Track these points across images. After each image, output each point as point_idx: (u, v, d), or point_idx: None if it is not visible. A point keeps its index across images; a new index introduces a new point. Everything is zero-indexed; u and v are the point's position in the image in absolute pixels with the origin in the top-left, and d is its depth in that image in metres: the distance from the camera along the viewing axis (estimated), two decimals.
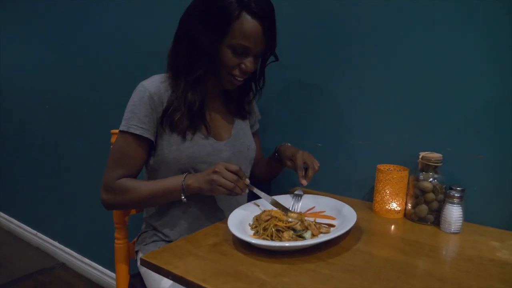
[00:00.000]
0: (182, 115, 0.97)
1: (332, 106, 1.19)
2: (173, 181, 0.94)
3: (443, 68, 0.99)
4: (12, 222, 2.76)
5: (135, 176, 1.00)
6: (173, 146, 0.97)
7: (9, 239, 2.68)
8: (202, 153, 0.99)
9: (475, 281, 0.68)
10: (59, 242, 2.38)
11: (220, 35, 0.91)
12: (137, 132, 0.96)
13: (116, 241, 1.14)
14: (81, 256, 2.21)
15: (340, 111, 1.18)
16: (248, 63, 0.95)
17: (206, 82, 1.02)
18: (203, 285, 0.64)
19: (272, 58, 1.04)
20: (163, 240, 1.05)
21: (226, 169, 0.88)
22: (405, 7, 1.03)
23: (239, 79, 0.98)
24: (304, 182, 0.97)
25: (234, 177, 0.88)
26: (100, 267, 2.09)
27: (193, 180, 0.91)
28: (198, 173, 0.94)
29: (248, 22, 0.90)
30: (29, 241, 2.59)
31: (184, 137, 0.98)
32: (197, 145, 0.99)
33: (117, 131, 1.05)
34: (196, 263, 0.73)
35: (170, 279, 0.69)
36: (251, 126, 1.19)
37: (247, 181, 0.91)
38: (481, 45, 0.93)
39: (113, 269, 1.98)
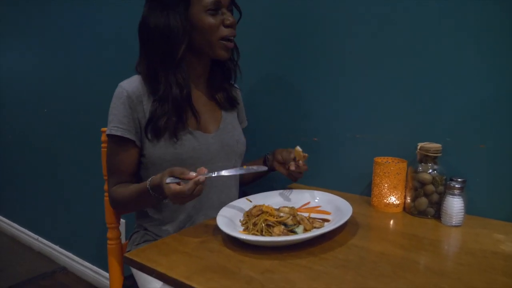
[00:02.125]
0: (169, 118, 0.93)
1: (327, 100, 1.16)
2: (144, 189, 0.86)
3: (441, 59, 0.95)
4: (13, 227, 2.75)
5: (130, 179, 0.99)
6: (157, 144, 0.95)
7: (10, 244, 2.67)
8: (188, 149, 0.95)
9: (477, 275, 0.64)
10: (60, 246, 2.36)
11: (186, 7, 0.91)
12: (118, 133, 0.93)
13: (108, 241, 1.11)
14: (81, 259, 2.18)
15: (335, 105, 1.14)
16: (228, 16, 0.94)
17: (189, 71, 0.98)
18: (187, 282, 0.61)
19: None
20: (155, 240, 1.02)
21: (174, 195, 0.75)
22: None
23: (230, 37, 0.96)
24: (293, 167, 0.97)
25: (184, 194, 0.74)
26: (100, 270, 2.07)
27: (159, 194, 0.82)
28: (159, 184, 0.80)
29: None
30: (31, 245, 2.57)
31: (169, 137, 0.95)
32: (181, 140, 0.95)
33: (106, 129, 1.04)
34: (182, 260, 0.69)
35: (154, 277, 0.66)
36: (240, 122, 1.16)
37: (201, 177, 0.75)
38: (481, 36, 0.89)
39: None
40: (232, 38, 0.97)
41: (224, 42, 0.95)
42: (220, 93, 1.08)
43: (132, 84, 0.96)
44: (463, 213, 0.86)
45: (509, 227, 0.85)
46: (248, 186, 1.21)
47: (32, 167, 2.52)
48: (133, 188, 0.92)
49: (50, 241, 2.43)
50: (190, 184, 0.74)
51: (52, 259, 2.39)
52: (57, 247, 2.37)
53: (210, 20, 0.92)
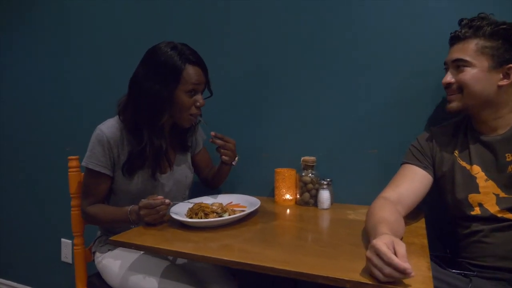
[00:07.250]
0: (145, 160, 1.24)
1: (249, 133, 1.61)
2: (123, 215, 1.19)
3: (312, 103, 1.47)
4: None
5: (102, 200, 1.29)
6: (125, 180, 1.26)
7: None
8: (148, 187, 1.28)
9: (333, 230, 1.12)
10: None
11: (175, 85, 1.19)
12: (96, 169, 1.23)
13: (75, 247, 1.39)
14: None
15: (251, 137, 1.60)
16: (200, 99, 1.24)
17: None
18: (157, 246, 0.97)
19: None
20: None
21: (145, 207, 1.11)
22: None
23: (196, 115, 1.27)
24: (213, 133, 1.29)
25: (153, 210, 1.10)
26: None
27: (134, 218, 1.17)
28: (136, 210, 1.15)
29: (193, 69, 1.21)
30: None
31: (132, 175, 1.26)
32: (144, 179, 1.27)
33: (74, 157, 1.35)
34: (150, 238, 1.05)
35: (133, 249, 1.00)
36: (194, 151, 1.48)
37: (167, 201, 1.12)
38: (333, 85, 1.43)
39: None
40: (198, 114, 1.28)
41: (191, 117, 1.26)
42: (177, 142, 1.40)
43: (111, 129, 1.24)
44: (329, 201, 1.34)
45: (357, 207, 1.35)
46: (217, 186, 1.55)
47: None
48: (111, 210, 1.25)
49: None
50: (157, 201, 1.10)
51: None
52: None
53: (187, 99, 1.21)
